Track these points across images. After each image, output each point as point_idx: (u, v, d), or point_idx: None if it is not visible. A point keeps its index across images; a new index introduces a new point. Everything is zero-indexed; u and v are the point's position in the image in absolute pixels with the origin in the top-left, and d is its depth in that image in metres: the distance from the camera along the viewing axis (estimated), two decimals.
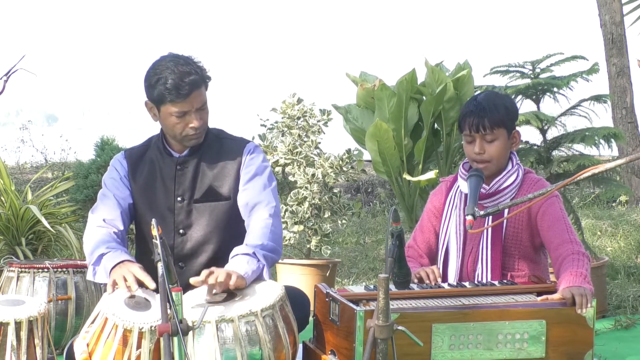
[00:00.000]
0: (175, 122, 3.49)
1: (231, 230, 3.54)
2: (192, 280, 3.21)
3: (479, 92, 5.44)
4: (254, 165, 3.57)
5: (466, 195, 3.57)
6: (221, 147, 3.60)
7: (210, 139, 3.60)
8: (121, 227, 3.53)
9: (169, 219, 3.56)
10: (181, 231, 3.57)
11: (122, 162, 3.63)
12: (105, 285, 3.37)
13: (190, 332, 2.99)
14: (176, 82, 3.42)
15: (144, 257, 3.51)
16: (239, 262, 3.33)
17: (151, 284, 3.21)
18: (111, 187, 3.59)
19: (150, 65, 3.54)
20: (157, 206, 3.56)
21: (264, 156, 3.65)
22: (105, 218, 3.52)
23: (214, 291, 3.22)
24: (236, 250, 3.40)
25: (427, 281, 3.52)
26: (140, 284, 3.24)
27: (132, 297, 3.20)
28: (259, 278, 3.38)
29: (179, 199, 3.56)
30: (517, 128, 3.71)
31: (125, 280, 3.23)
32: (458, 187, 3.70)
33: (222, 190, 3.56)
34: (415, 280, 3.53)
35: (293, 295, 3.41)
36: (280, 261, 5.35)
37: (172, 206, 3.56)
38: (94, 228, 3.51)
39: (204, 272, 3.21)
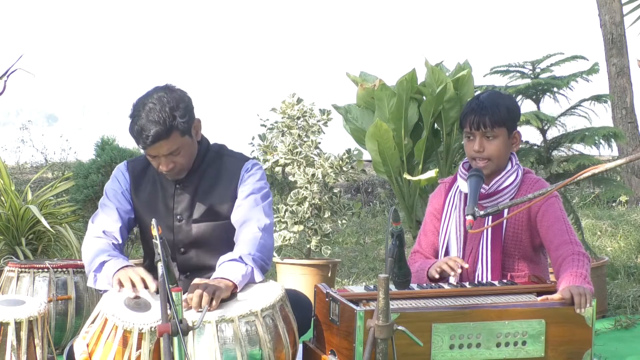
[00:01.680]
0: (149, 159, 3.50)
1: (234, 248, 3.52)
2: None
3: (479, 92, 5.44)
4: (250, 184, 3.54)
5: (466, 195, 3.57)
6: (221, 165, 3.58)
7: (211, 157, 3.58)
8: (120, 240, 3.54)
9: (169, 238, 3.54)
10: (182, 250, 3.57)
11: (124, 174, 3.63)
12: (104, 291, 3.38)
13: (191, 332, 2.99)
14: (140, 130, 3.38)
15: (151, 265, 3.51)
16: (227, 269, 3.33)
17: (152, 285, 3.22)
18: (112, 199, 3.60)
19: (141, 95, 3.48)
20: (159, 224, 3.54)
21: (262, 173, 3.61)
22: (105, 230, 3.53)
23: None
24: (222, 258, 3.40)
25: (453, 272, 3.46)
26: (146, 286, 3.25)
27: (132, 297, 3.20)
28: (251, 281, 3.37)
29: (177, 217, 3.55)
30: (517, 128, 3.71)
31: (132, 281, 3.24)
32: (457, 187, 3.70)
33: (221, 210, 3.54)
34: (437, 275, 3.49)
35: (295, 298, 3.41)
36: (280, 261, 5.35)
37: (171, 225, 3.56)
38: (93, 238, 3.52)
39: (191, 287, 3.20)
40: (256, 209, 3.50)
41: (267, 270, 3.51)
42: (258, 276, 3.38)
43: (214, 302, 3.15)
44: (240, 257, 3.36)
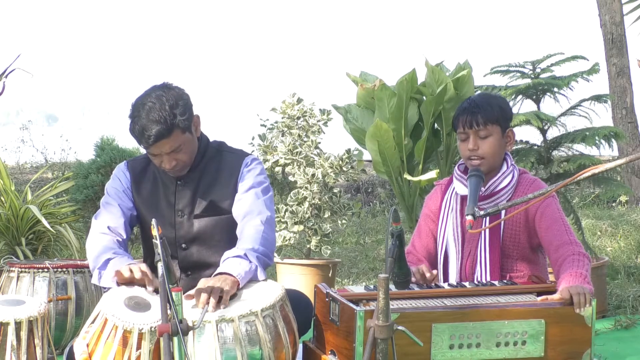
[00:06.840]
0: (152, 158, 3.52)
1: (236, 243, 3.53)
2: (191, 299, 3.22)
3: (479, 91, 5.44)
4: (250, 178, 3.57)
5: (462, 196, 3.57)
6: (221, 161, 3.61)
7: (211, 153, 3.61)
8: (124, 236, 3.56)
9: (171, 234, 3.57)
10: (183, 245, 3.59)
11: (125, 173, 3.65)
12: (107, 289, 3.38)
13: (191, 332, 2.99)
14: (141, 130, 3.40)
15: (151, 265, 3.52)
16: (231, 265, 3.33)
17: (150, 286, 3.23)
18: (114, 197, 3.62)
19: (139, 95, 3.49)
20: (161, 221, 3.54)
21: (262, 168, 3.64)
22: (109, 225, 3.55)
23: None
24: (227, 253, 3.40)
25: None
26: (143, 281, 3.26)
27: (132, 297, 3.20)
28: (253, 279, 3.38)
29: (179, 213, 3.58)
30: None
31: (131, 272, 3.25)
32: (453, 189, 3.69)
33: (222, 205, 3.57)
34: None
35: (295, 298, 3.42)
36: (280, 261, 5.35)
37: (172, 221, 3.58)
38: (98, 234, 3.53)
39: (197, 292, 3.20)
40: (258, 202, 3.53)
41: (270, 265, 3.52)
42: (261, 275, 3.39)
43: (223, 299, 3.17)
44: (246, 255, 3.37)
